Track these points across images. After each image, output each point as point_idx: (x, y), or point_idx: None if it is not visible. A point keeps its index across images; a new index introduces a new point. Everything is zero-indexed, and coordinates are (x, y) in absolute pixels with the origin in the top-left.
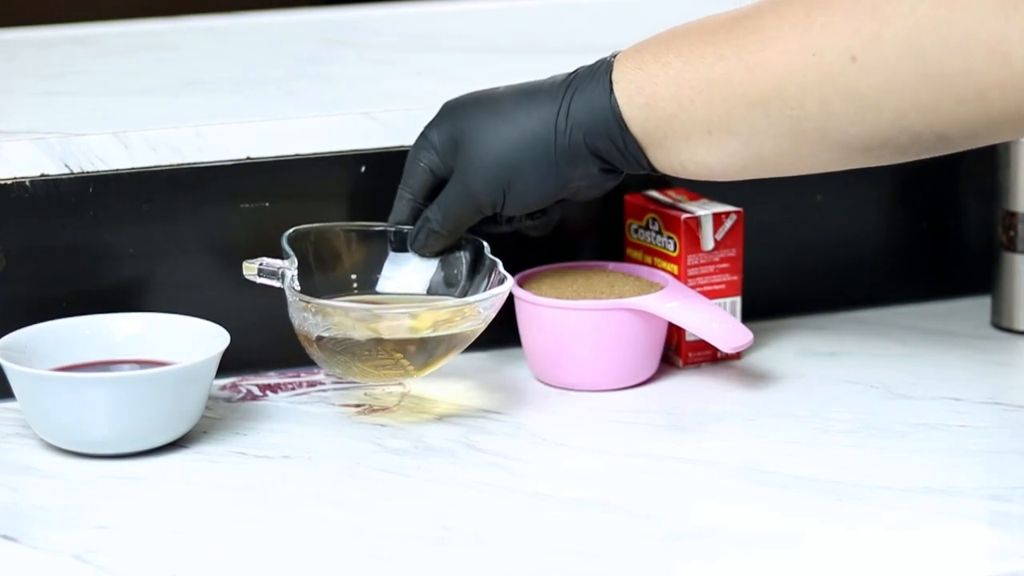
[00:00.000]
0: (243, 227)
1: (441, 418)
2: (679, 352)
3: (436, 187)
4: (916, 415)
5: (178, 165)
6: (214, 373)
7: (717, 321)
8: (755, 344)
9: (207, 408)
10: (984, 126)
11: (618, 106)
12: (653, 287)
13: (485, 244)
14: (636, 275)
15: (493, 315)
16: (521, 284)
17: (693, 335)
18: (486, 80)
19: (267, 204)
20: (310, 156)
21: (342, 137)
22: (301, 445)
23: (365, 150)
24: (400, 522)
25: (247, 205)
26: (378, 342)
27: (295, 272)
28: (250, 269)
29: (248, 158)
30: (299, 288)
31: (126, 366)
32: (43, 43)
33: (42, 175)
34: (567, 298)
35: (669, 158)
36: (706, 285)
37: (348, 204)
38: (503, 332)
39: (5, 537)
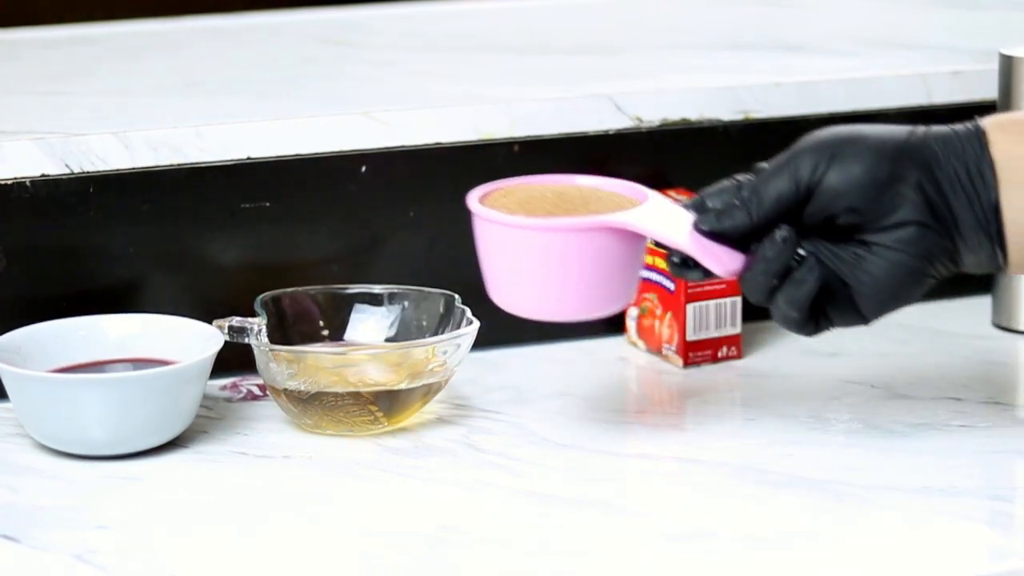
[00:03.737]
0: (243, 227)
1: (441, 418)
2: (679, 352)
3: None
4: (916, 415)
5: (178, 165)
6: (208, 374)
7: (705, 242)
8: (755, 344)
9: (208, 408)
10: None
11: (983, 127)
12: (630, 203)
13: (456, 296)
14: (609, 190)
15: (461, 358)
16: (485, 198)
17: (694, 335)
18: (485, 80)
19: (267, 204)
20: (310, 156)
21: (342, 137)
22: (301, 445)
23: (365, 150)
24: (400, 522)
25: (247, 205)
26: (345, 387)
27: (264, 327)
28: (220, 327)
29: (248, 158)
30: (268, 341)
31: (120, 367)
32: (44, 43)
33: (42, 175)
34: (538, 215)
35: None
36: (706, 285)
37: (348, 204)
38: (503, 332)
39: (6, 537)
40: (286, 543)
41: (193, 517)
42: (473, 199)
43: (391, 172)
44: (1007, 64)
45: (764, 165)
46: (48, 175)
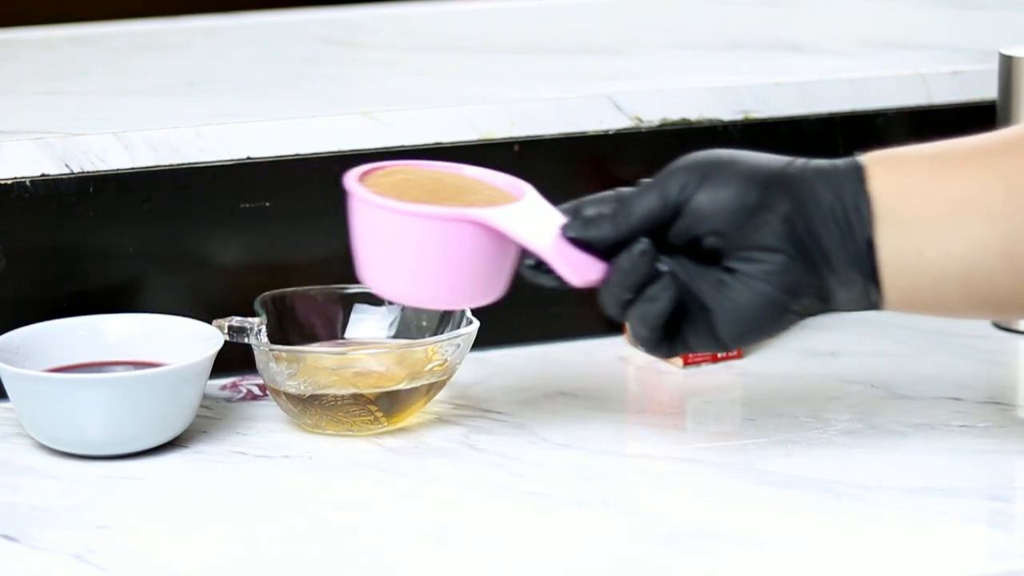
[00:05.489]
0: (243, 227)
1: (441, 418)
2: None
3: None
4: (916, 415)
5: (178, 165)
6: (208, 374)
7: (568, 248)
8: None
9: (207, 408)
10: None
11: (863, 163)
12: (505, 198)
13: None
14: (492, 183)
15: (461, 358)
16: (365, 175)
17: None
18: (485, 80)
19: (267, 204)
20: (310, 156)
21: (342, 137)
22: (301, 445)
23: (365, 150)
24: (400, 522)
25: (247, 205)
26: (345, 387)
27: (263, 327)
28: (220, 327)
29: (248, 158)
30: (268, 341)
31: (120, 367)
32: (44, 43)
33: (42, 175)
34: (407, 200)
35: (901, 241)
36: None
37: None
38: (503, 332)
39: (6, 537)
40: (286, 543)
41: (193, 517)
42: (352, 174)
43: None
44: (1007, 64)
45: (645, 181)
46: (48, 175)
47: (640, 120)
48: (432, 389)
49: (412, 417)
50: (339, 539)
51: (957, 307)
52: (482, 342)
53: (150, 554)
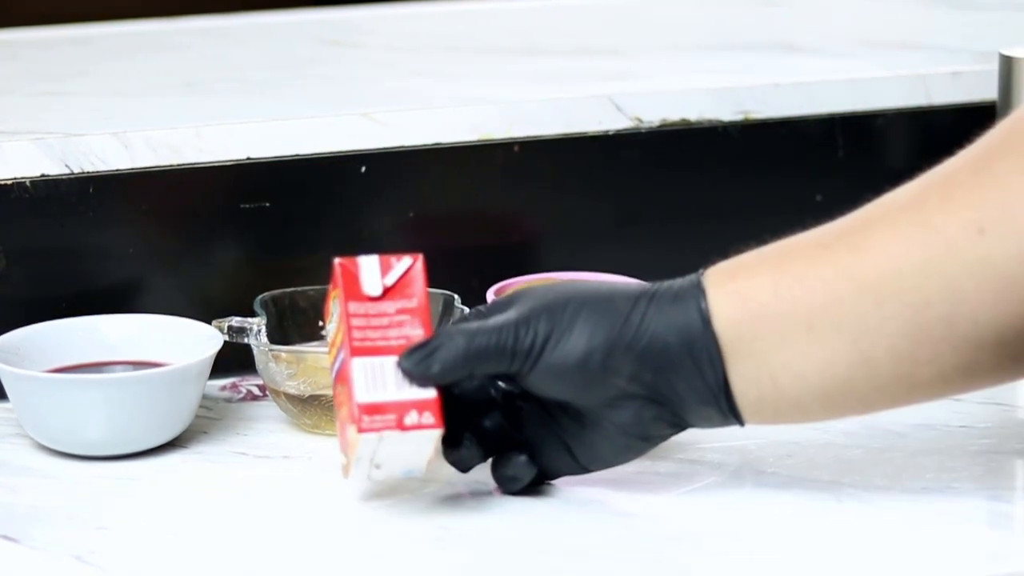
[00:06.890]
0: (243, 227)
1: None
2: None
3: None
4: (916, 415)
5: (178, 165)
6: (207, 374)
7: None
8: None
9: (207, 408)
10: None
11: (705, 302)
12: None
13: (456, 296)
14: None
15: None
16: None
17: None
18: (485, 80)
19: (267, 204)
20: (310, 156)
21: (342, 137)
22: (301, 445)
23: (365, 150)
24: (400, 522)
25: (247, 205)
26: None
27: (263, 327)
28: (220, 327)
29: (248, 158)
30: (268, 341)
31: (120, 367)
32: (43, 43)
33: (42, 175)
34: None
35: (756, 371)
36: (379, 340)
37: (348, 204)
38: None
39: (5, 538)
40: (286, 543)
41: (193, 517)
42: (491, 291)
43: (391, 172)
44: (1007, 65)
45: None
46: (48, 175)
47: (640, 121)
48: None
49: None
50: (339, 539)
51: (822, 417)
52: None
53: (150, 554)
